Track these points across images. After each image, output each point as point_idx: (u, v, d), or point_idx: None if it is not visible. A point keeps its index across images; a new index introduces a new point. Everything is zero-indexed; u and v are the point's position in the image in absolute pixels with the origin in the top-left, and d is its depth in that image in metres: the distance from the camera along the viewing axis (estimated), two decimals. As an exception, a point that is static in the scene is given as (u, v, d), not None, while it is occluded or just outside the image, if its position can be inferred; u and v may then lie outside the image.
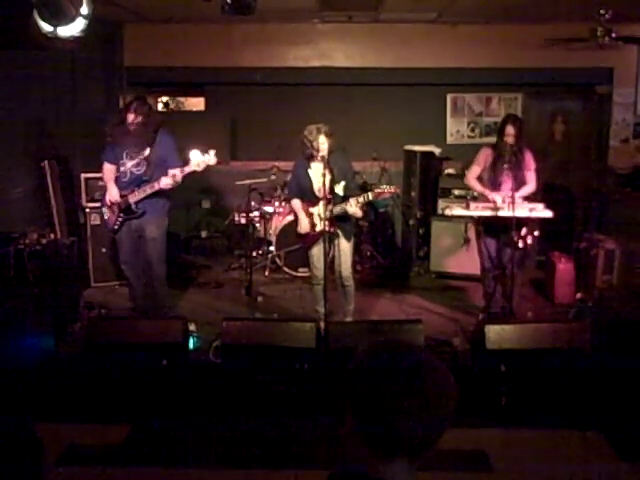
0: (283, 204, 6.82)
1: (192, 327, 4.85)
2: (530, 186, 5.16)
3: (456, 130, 8.08)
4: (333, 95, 7.76)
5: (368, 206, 6.57)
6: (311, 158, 4.89)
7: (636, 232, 6.10)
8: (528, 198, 5.18)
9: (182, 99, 9.87)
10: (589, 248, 6.03)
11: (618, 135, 7.64)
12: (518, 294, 5.36)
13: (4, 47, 4.51)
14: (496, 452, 3.58)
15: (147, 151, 4.97)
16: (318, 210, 4.90)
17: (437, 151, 7.39)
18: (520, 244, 4.99)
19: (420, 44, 7.43)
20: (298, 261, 6.42)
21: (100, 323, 4.70)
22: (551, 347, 4.15)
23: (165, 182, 4.85)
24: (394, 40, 7.42)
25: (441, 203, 6.99)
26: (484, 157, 5.28)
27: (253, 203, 6.82)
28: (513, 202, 4.84)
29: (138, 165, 5.00)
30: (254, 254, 6.75)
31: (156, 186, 4.89)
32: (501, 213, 4.97)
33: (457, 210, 5.21)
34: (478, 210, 5.10)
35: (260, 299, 6.04)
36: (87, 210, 6.37)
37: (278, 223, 6.75)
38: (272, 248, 6.76)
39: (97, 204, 6.27)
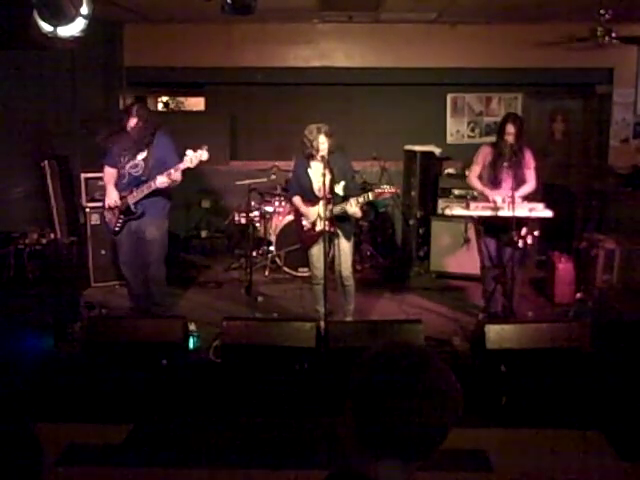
0: (283, 204, 6.82)
1: (192, 327, 4.84)
2: (530, 185, 5.16)
3: (456, 130, 8.08)
4: (333, 95, 7.76)
5: (368, 206, 6.57)
6: (311, 158, 4.90)
7: (636, 232, 6.11)
8: (528, 198, 5.19)
9: (182, 99, 9.88)
10: (589, 248, 6.03)
11: (618, 135, 7.64)
12: (518, 294, 5.37)
13: (4, 47, 4.51)
14: (496, 452, 3.59)
15: (145, 153, 4.98)
16: (318, 210, 4.90)
17: (437, 151, 7.39)
18: (520, 244, 4.99)
19: (420, 44, 7.43)
20: (298, 261, 6.42)
21: (100, 323, 4.70)
22: (551, 347, 4.15)
23: (161, 181, 4.85)
24: (394, 40, 7.42)
25: (441, 203, 6.99)
26: (483, 155, 5.29)
27: (253, 203, 6.82)
28: (513, 202, 4.84)
29: (136, 167, 5.01)
30: (254, 254, 6.75)
31: (153, 185, 4.89)
32: (501, 213, 4.97)
33: (457, 210, 5.21)
34: (478, 210, 5.10)
35: (260, 299, 6.04)
36: (87, 210, 6.36)
37: (278, 223, 6.75)
38: (272, 248, 6.76)
39: (97, 204, 6.30)
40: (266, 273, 6.82)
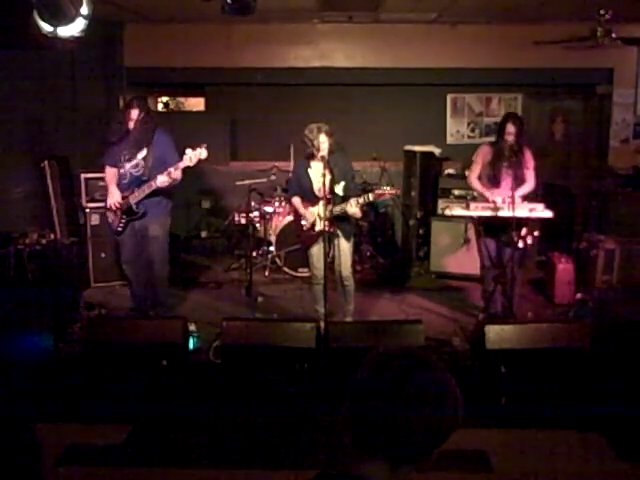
0: (283, 204, 6.82)
1: (192, 327, 4.84)
2: (529, 184, 5.16)
3: (456, 130, 8.08)
4: (333, 95, 7.76)
5: (368, 206, 6.56)
6: (311, 157, 4.90)
7: (636, 232, 6.11)
8: (528, 198, 5.19)
9: (182, 99, 9.88)
10: (589, 248, 6.03)
11: (618, 135, 7.65)
12: (518, 294, 5.37)
13: (4, 47, 4.51)
14: (496, 452, 3.59)
15: (144, 152, 4.98)
16: (318, 210, 4.90)
17: (437, 151, 7.38)
18: (520, 244, 4.99)
19: (420, 44, 7.43)
20: (298, 261, 6.41)
21: (100, 323, 4.70)
22: (551, 347, 4.15)
23: (161, 180, 4.85)
24: (394, 40, 7.42)
25: (441, 203, 6.99)
26: (482, 155, 5.29)
27: (253, 203, 6.82)
28: (513, 202, 4.84)
29: (137, 166, 5.01)
30: (254, 254, 6.74)
31: (153, 185, 4.89)
32: (501, 213, 4.97)
33: (457, 210, 5.21)
34: (478, 210, 5.10)
35: (260, 299, 6.03)
36: (87, 210, 6.36)
37: (278, 223, 6.75)
38: (272, 248, 6.76)
39: (97, 204, 6.30)
40: (266, 273, 6.82)
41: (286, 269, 6.69)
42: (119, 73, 7.54)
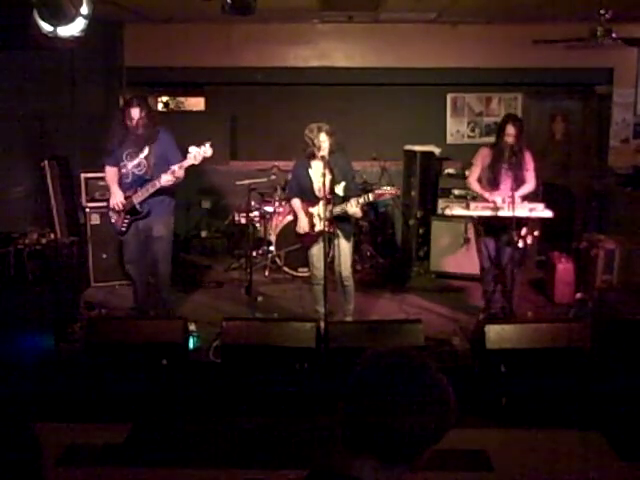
0: (283, 204, 6.82)
1: (192, 327, 4.84)
2: (529, 185, 5.17)
3: (456, 130, 8.08)
4: (333, 95, 7.76)
5: (368, 206, 6.57)
6: (312, 157, 4.90)
7: (636, 232, 6.11)
8: (528, 198, 5.19)
9: (182, 99, 9.86)
10: (589, 248, 6.02)
11: (618, 135, 7.64)
12: (518, 294, 5.37)
13: (4, 47, 4.51)
14: (496, 452, 3.59)
15: (146, 151, 4.96)
16: (318, 210, 4.90)
17: (437, 151, 7.39)
18: (520, 244, 4.99)
19: (420, 44, 7.43)
20: (298, 261, 6.41)
21: (100, 323, 4.70)
22: (551, 347, 4.15)
23: (165, 179, 4.85)
24: (394, 40, 7.41)
25: (441, 203, 6.99)
26: (482, 157, 5.29)
27: (253, 203, 6.82)
28: (513, 202, 4.84)
29: (139, 165, 4.99)
30: (254, 254, 6.74)
31: (157, 184, 4.88)
32: (501, 213, 4.97)
33: (457, 210, 5.21)
34: (478, 210, 5.10)
35: (260, 299, 6.03)
36: (87, 210, 6.36)
37: (278, 223, 6.74)
38: (272, 248, 6.75)
39: (97, 204, 6.30)
40: (266, 273, 6.82)
41: (286, 269, 6.69)
42: (119, 73, 7.54)
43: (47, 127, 6.22)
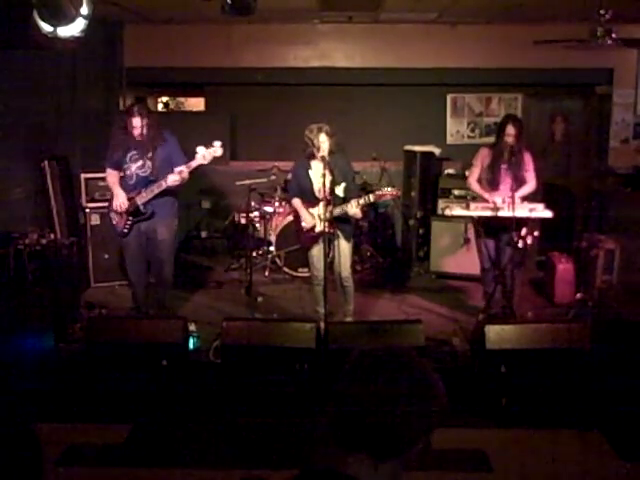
0: (283, 204, 6.82)
1: (192, 327, 4.84)
2: (530, 185, 5.17)
3: (456, 130, 8.08)
4: (333, 95, 7.76)
5: (368, 207, 6.57)
6: (312, 157, 4.90)
7: (636, 232, 6.11)
8: (528, 198, 5.19)
9: (182, 99, 9.88)
10: (589, 248, 6.03)
11: (618, 135, 7.64)
12: (518, 294, 5.37)
13: (4, 47, 4.51)
14: (496, 452, 3.59)
15: (150, 152, 4.94)
16: (318, 211, 4.90)
17: (437, 151, 7.39)
18: (520, 244, 4.99)
19: (420, 44, 7.43)
20: (298, 261, 6.41)
21: (100, 323, 4.70)
22: (551, 347, 4.15)
23: (172, 179, 4.83)
24: (394, 40, 7.42)
25: (441, 203, 6.98)
26: (481, 158, 5.30)
27: (253, 203, 6.82)
28: (513, 202, 4.84)
29: (143, 167, 4.96)
30: (254, 254, 6.75)
31: (163, 184, 4.86)
32: (501, 213, 4.97)
33: (457, 210, 5.21)
34: (478, 210, 5.10)
35: (260, 299, 6.03)
36: (87, 210, 6.36)
37: (278, 223, 6.75)
38: (272, 248, 6.75)
39: (97, 204, 6.30)
40: (266, 273, 6.82)
41: (286, 269, 6.69)
42: (119, 73, 7.54)
43: (47, 127, 6.23)
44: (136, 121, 4.84)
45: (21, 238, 5.08)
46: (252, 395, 4.10)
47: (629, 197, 6.87)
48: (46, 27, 3.66)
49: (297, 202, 5.05)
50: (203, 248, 7.78)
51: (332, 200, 4.80)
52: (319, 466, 1.36)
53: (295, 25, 7.43)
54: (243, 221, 6.93)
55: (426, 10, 6.61)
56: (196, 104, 9.31)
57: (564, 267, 5.99)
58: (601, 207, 7.19)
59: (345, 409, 1.31)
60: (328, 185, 4.71)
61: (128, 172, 5.01)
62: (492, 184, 5.18)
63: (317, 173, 4.86)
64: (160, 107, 9.47)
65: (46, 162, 6.02)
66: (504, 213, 4.95)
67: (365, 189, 6.80)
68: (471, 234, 6.11)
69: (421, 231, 7.24)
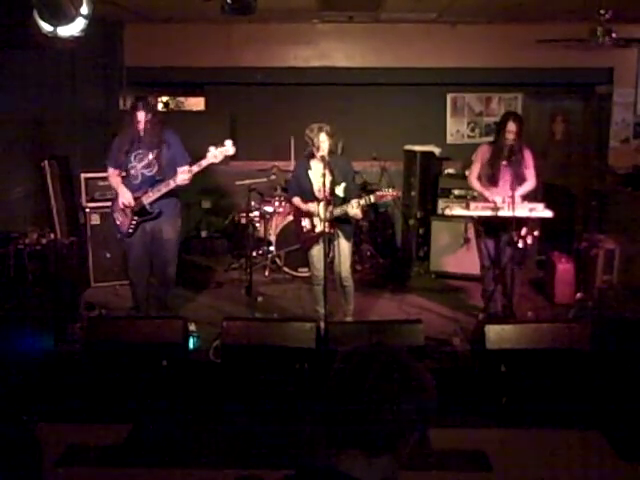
0: (283, 204, 6.82)
1: (192, 327, 4.84)
2: (530, 183, 5.16)
3: (456, 130, 8.08)
4: (333, 95, 7.75)
5: (368, 207, 6.57)
6: (311, 157, 4.90)
7: (636, 232, 6.11)
8: (528, 197, 5.19)
9: (182, 99, 9.87)
10: (589, 248, 6.03)
11: (618, 135, 7.65)
12: (518, 294, 5.37)
13: (4, 47, 4.51)
14: (496, 452, 3.59)
15: (156, 151, 4.92)
16: (318, 211, 4.89)
17: (437, 151, 7.39)
18: (520, 244, 4.99)
19: (420, 44, 7.44)
20: (298, 261, 6.41)
21: (100, 323, 4.70)
22: (551, 347, 4.15)
23: (182, 178, 4.82)
24: (394, 40, 7.42)
25: (441, 203, 6.99)
26: (481, 154, 5.30)
27: (253, 203, 6.82)
28: (513, 202, 4.84)
29: (149, 166, 4.94)
30: (254, 254, 6.75)
31: (172, 183, 4.85)
32: (501, 213, 4.97)
33: (457, 210, 5.21)
34: (478, 210, 5.10)
35: (260, 299, 6.03)
36: (87, 210, 6.36)
37: (278, 223, 6.75)
38: (272, 248, 6.76)
39: (97, 204, 6.30)
40: (266, 273, 6.82)
41: (286, 269, 6.69)
42: (119, 73, 7.54)
43: (47, 127, 6.23)
44: (141, 115, 4.82)
45: (21, 238, 5.08)
46: (252, 395, 4.10)
47: (629, 197, 6.87)
48: (46, 27, 3.66)
49: (298, 200, 5.04)
50: (203, 248, 7.77)
51: (332, 200, 4.80)
52: (314, 464, 1.37)
53: (295, 25, 7.43)
54: (243, 221, 6.93)
55: (426, 10, 6.61)
56: (196, 104, 9.30)
57: (564, 267, 5.99)
58: (601, 207, 7.19)
59: (336, 407, 1.34)
60: (328, 185, 4.71)
61: (133, 171, 4.97)
62: (491, 180, 5.17)
63: (317, 173, 4.86)
64: (160, 107, 9.46)
65: (46, 162, 6.02)
66: (504, 213, 4.94)
67: (365, 189, 6.81)
68: (471, 234, 6.11)
69: (421, 231, 7.24)
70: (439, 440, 3.47)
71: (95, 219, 6.34)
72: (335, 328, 4.42)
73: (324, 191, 4.67)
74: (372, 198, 4.83)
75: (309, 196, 4.96)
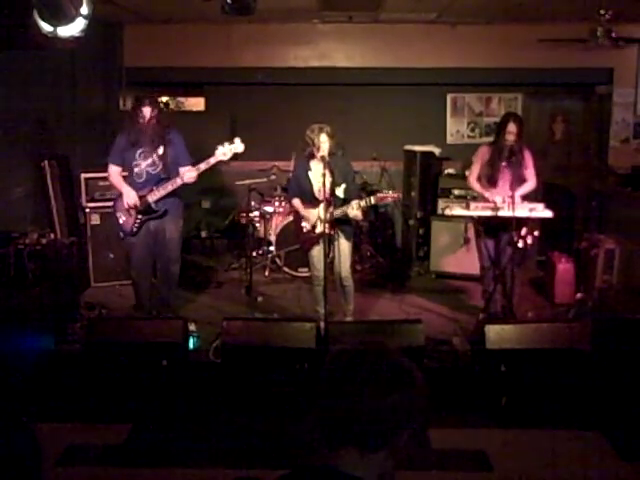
0: (283, 204, 6.82)
1: (192, 327, 4.84)
2: (530, 183, 5.16)
3: (456, 130, 8.08)
4: (333, 95, 7.76)
5: (368, 208, 6.57)
6: (311, 157, 4.89)
7: (636, 232, 6.11)
8: (528, 198, 5.19)
9: (182, 99, 9.86)
10: (589, 248, 6.03)
11: (618, 135, 7.65)
12: (518, 294, 5.36)
13: (4, 47, 4.51)
14: (496, 452, 3.59)
15: (161, 149, 4.91)
16: (318, 212, 4.89)
17: (437, 151, 7.39)
18: (520, 244, 4.99)
19: (420, 44, 7.44)
20: (298, 261, 6.42)
21: (100, 323, 4.70)
22: (551, 347, 4.15)
23: (189, 176, 4.81)
24: (394, 40, 7.42)
25: (441, 203, 6.99)
26: (481, 155, 5.30)
27: (253, 203, 6.82)
28: (513, 202, 4.84)
29: (154, 164, 4.93)
30: (254, 254, 6.75)
31: (179, 181, 4.84)
32: (501, 213, 4.97)
33: (457, 210, 5.21)
34: (478, 210, 5.10)
35: (260, 299, 6.04)
36: (87, 210, 6.36)
37: (278, 223, 6.75)
38: (272, 248, 6.76)
39: (97, 204, 6.30)
40: (266, 273, 6.82)
41: (286, 269, 6.69)
42: (119, 73, 7.55)
43: (47, 127, 6.23)
44: (146, 110, 4.80)
45: (21, 238, 5.08)
46: (252, 395, 4.10)
47: (629, 197, 6.87)
48: (46, 27, 3.66)
49: (297, 202, 5.04)
50: (203, 248, 7.77)
51: (332, 201, 4.80)
52: (310, 463, 1.38)
53: (295, 25, 7.43)
54: (243, 221, 6.93)
55: (426, 10, 6.61)
56: (196, 104, 9.30)
57: (564, 267, 5.99)
58: (601, 207, 7.20)
59: (328, 406, 1.35)
60: (328, 186, 4.71)
61: (137, 169, 4.95)
62: (491, 180, 5.17)
63: (317, 174, 4.86)
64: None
65: (46, 162, 6.02)
66: (504, 213, 4.94)
67: (365, 189, 6.81)
68: (471, 234, 6.11)
69: (421, 231, 7.24)
70: (439, 440, 3.47)
71: (95, 219, 6.34)
72: (335, 328, 4.42)
73: (324, 192, 4.67)
74: (372, 200, 4.82)
75: (309, 197, 4.96)
